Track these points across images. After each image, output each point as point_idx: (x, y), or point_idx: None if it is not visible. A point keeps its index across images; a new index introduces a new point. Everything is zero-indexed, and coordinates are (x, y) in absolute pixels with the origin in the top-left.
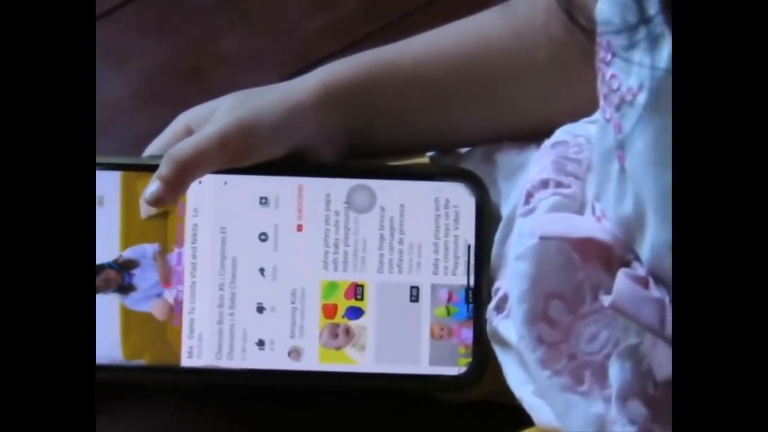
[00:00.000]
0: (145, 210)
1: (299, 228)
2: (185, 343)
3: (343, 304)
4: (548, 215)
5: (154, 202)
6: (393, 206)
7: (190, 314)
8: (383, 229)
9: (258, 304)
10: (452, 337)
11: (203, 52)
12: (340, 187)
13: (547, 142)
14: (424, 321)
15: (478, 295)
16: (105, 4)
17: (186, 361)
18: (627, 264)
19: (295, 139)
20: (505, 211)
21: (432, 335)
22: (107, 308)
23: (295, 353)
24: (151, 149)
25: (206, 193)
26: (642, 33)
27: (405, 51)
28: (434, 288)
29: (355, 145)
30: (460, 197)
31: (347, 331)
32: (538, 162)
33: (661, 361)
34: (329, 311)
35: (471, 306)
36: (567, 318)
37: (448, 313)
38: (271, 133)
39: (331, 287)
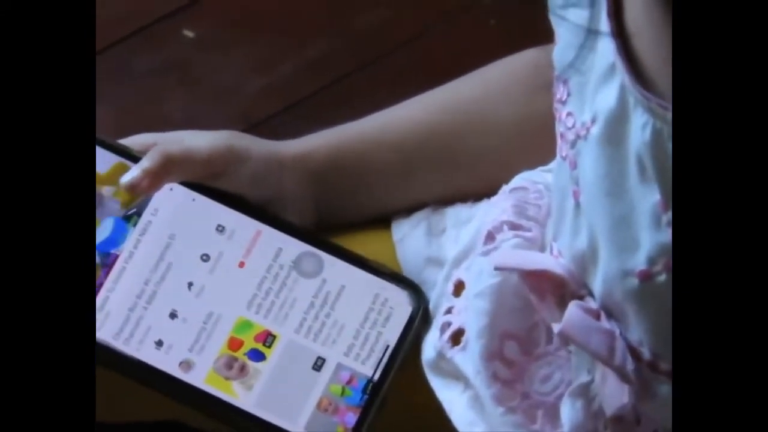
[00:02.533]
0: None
1: (241, 264)
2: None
3: (249, 344)
4: (505, 249)
5: (131, 188)
6: (335, 283)
7: (108, 291)
8: (316, 298)
9: (173, 310)
10: (336, 415)
11: (146, 114)
12: (294, 246)
13: (506, 187)
14: (317, 390)
15: (377, 390)
16: None
17: None
18: (581, 299)
19: (268, 189)
20: (450, 253)
21: (318, 405)
22: None
23: (186, 365)
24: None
25: (172, 200)
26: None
27: (372, 120)
28: (339, 366)
29: (322, 210)
30: (398, 302)
31: (242, 368)
32: (496, 205)
33: (612, 395)
34: (234, 344)
35: (365, 397)
36: (521, 358)
37: (342, 393)
38: (250, 173)
39: (245, 325)
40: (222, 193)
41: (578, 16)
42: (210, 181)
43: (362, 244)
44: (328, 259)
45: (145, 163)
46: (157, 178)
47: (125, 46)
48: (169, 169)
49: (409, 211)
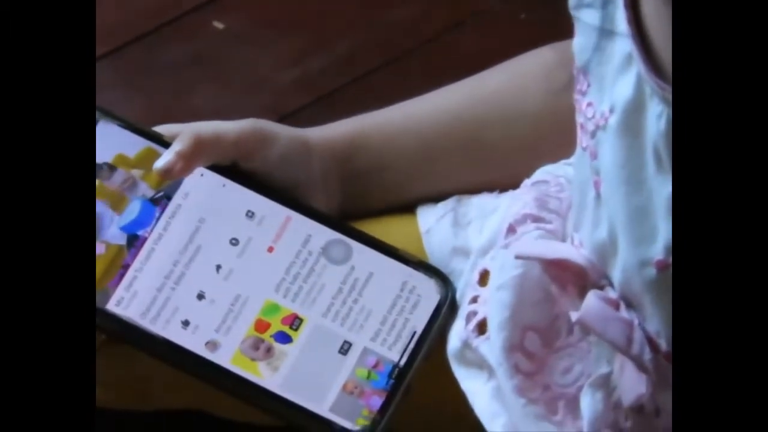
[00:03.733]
0: None
1: (270, 249)
2: (118, 293)
3: (277, 326)
4: (527, 239)
5: (165, 172)
6: (363, 270)
7: (136, 271)
8: (344, 284)
9: (201, 291)
10: (362, 398)
11: (176, 106)
12: (323, 233)
13: (528, 181)
14: (343, 373)
15: (403, 375)
16: None
17: (112, 307)
18: (601, 289)
19: (295, 172)
20: (476, 244)
21: (344, 388)
22: None
23: (212, 345)
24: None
25: (203, 186)
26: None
27: (396, 108)
28: (366, 350)
29: (347, 195)
30: (426, 290)
31: (269, 350)
32: (519, 198)
33: (630, 385)
34: (261, 326)
35: (391, 381)
36: (542, 351)
37: (368, 377)
38: (278, 154)
39: (272, 308)
40: (253, 179)
41: (591, 16)
42: (240, 163)
43: (388, 232)
44: (357, 246)
45: (177, 145)
46: (189, 160)
47: (156, 38)
48: (200, 151)
49: (434, 200)
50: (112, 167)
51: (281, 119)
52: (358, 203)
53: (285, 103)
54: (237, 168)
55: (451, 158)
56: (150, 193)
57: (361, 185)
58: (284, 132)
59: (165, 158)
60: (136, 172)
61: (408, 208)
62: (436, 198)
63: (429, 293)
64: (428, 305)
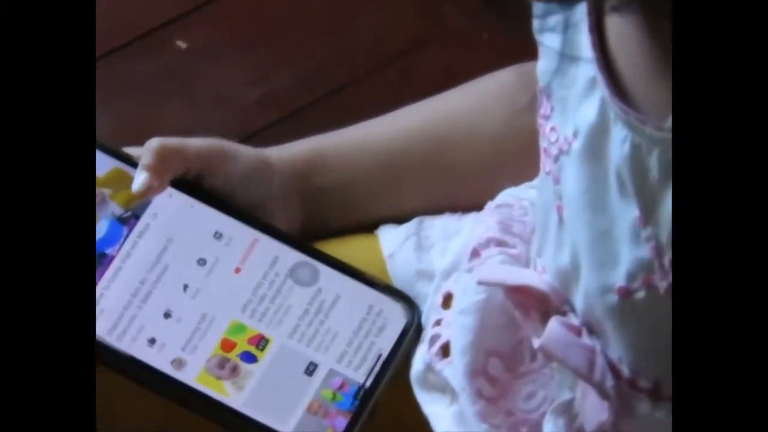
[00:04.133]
0: None
1: (237, 270)
2: None
3: (242, 346)
4: (490, 265)
5: (145, 191)
6: (330, 292)
7: (103, 288)
8: (311, 306)
9: (167, 310)
10: (326, 418)
11: (142, 122)
12: (290, 255)
13: (491, 204)
14: (308, 394)
15: (368, 397)
16: None
17: None
18: (563, 315)
19: (257, 189)
20: (440, 266)
21: (309, 408)
22: None
23: (177, 363)
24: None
25: (171, 206)
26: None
27: (358, 127)
28: (331, 372)
29: (308, 214)
30: (393, 314)
31: (234, 369)
32: (482, 221)
33: (592, 412)
34: (227, 345)
35: (356, 403)
36: (505, 376)
37: (333, 398)
38: (241, 171)
39: (238, 328)
40: (220, 201)
41: (553, 40)
42: (204, 180)
43: (351, 254)
44: (324, 269)
45: (145, 160)
46: (158, 172)
47: (121, 55)
48: (166, 161)
49: (396, 219)
50: None
51: (247, 137)
52: (319, 222)
53: (251, 120)
54: (203, 188)
55: (412, 177)
56: (118, 212)
57: (322, 204)
58: (245, 150)
59: (139, 179)
60: (105, 191)
61: (369, 227)
62: (398, 217)
63: (395, 317)
64: (394, 328)
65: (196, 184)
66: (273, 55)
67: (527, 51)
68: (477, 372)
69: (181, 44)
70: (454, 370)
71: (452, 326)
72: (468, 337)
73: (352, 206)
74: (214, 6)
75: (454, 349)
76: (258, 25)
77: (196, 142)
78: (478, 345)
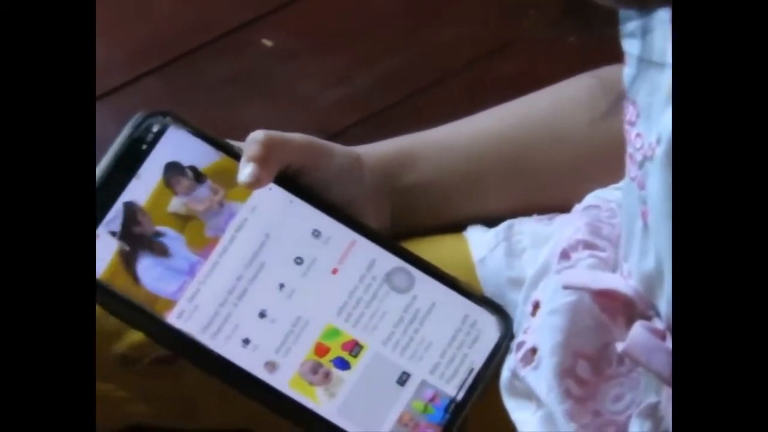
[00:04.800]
0: None
1: (334, 271)
2: (180, 304)
3: (336, 352)
4: (578, 269)
5: (253, 181)
6: (426, 300)
7: (199, 283)
8: (406, 313)
9: (262, 310)
10: (416, 431)
11: (224, 121)
12: (387, 260)
13: (578, 206)
14: (399, 405)
15: (459, 411)
16: (126, 74)
17: (173, 319)
18: (648, 319)
19: (350, 186)
20: (530, 272)
21: (400, 420)
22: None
23: (270, 366)
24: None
25: (270, 200)
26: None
27: (445, 128)
28: (423, 383)
29: (397, 212)
30: (487, 327)
31: (327, 375)
32: (570, 223)
33: None
34: (321, 350)
35: (447, 416)
36: (593, 378)
37: (425, 410)
38: (336, 167)
39: (333, 332)
40: (318, 199)
41: (632, 46)
42: (302, 174)
43: (439, 255)
44: (420, 276)
45: (250, 151)
46: (265, 163)
47: (203, 54)
48: (272, 152)
49: (482, 220)
50: (200, 175)
51: (327, 138)
52: (406, 221)
53: (330, 122)
54: (300, 184)
55: (497, 179)
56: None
57: (409, 202)
58: (338, 147)
59: (246, 170)
60: (211, 182)
61: (456, 227)
62: (485, 217)
63: (489, 329)
64: (488, 341)
65: (293, 180)
66: (353, 56)
67: (610, 56)
68: (566, 372)
69: (267, 42)
70: (540, 372)
71: (541, 328)
72: (558, 337)
73: (438, 206)
74: (294, 7)
75: (544, 350)
76: (339, 26)
77: (298, 137)
78: (568, 345)
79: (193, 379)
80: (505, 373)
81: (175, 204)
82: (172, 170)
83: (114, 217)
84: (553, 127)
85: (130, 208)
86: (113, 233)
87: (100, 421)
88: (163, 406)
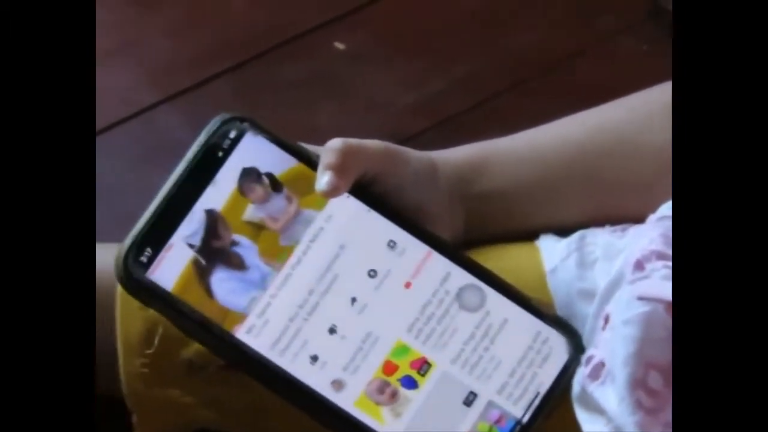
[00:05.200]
0: None
1: (407, 285)
2: (251, 319)
3: (405, 370)
4: (652, 280)
5: (332, 190)
6: (498, 317)
7: (271, 297)
8: (477, 329)
9: (333, 325)
10: None
11: (297, 124)
12: (460, 275)
13: (653, 216)
14: (464, 426)
15: None
16: (198, 75)
17: (242, 335)
18: None
19: (423, 193)
20: (602, 285)
21: None
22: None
23: (337, 384)
24: None
25: (347, 209)
26: None
27: (519, 135)
28: (490, 404)
29: (470, 218)
30: (557, 346)
31: (394, 394)
32: (644, 234)
33: None
34: (389, 368)
35: None
36: (664, 389)
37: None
38: (412, 172)
39: (402, 350)
40: (392, 209)
41: None
42: (376, 181)
43: (512, 264)
44: (492, 293)
45: (327, 159)
46: (343, 171)
47: (275, 56)
48: (350, 161)
49: (555, 229)
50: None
51: (399, 143)
52: (479, 229)
53: (404, 126)
54: (373, 194)
55: (572, 189)
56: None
57: (482, 210)
58: (414, 153)
59: (323, 178)
60: (287, 190)
61: (529, 235)
62: (558, 227)
63: (559, 348)
64: (558, 361)
65: (368, 189)
66: (428, 60)
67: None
68: (637, 383)
69: (339, 45)
70: (610, 384)
71: (612, 340)
72: (631, 348)
73: (511, 213)
74: (368, 10)
75: (616, 360)
76: (414, 30)
77: (374, 144)
78: (640, 356)
79: (260, 387)
80: (576, 387)
81: (250, 212)
82: (248, 177)
83: (195, 229)
84: (629, 137)
85: (212, 220)
86: (191, 245)
87: (167, 426)
88: (230, 413)
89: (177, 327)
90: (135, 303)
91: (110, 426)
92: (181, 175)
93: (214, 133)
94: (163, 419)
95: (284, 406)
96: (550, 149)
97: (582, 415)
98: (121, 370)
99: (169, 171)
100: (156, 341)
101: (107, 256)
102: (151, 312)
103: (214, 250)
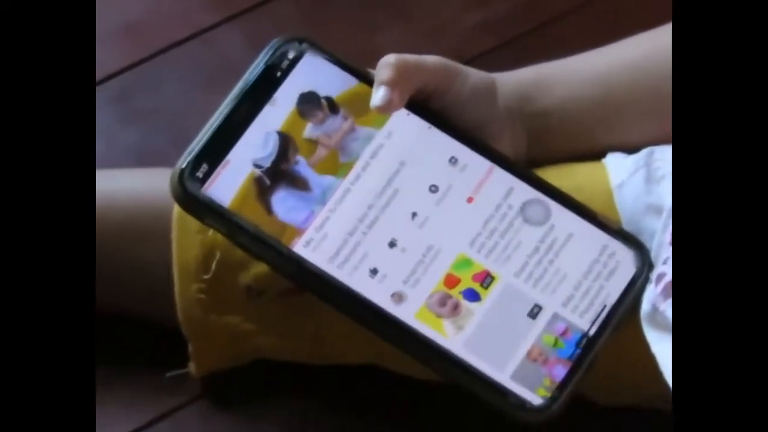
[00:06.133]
0: None
1: (469, 200)
2: (309, 233)
3: (467, 283)
4: None
5: (386, 105)
6: (563, 231)
7: (330, 211)
8: (542, 243)
9: (393, 239)
10: (545, 366)
11: (358, 44)
12: (524, 190)
13: None
14: (529, 338)
15: (591, 346)
16: None
17: (299, 248)
18: None
19: (481, 110)
20: (669, 200)
21: (528, 354)
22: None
23: (398, 297)
24: None
25: (407, 126)
26: None
27: (578, 57)
28: (555, 316)
29: (531, 137)
30: (624, 260)
31: (455, 307)
32: None
33: None
34: (451, 281)
35: (578, 351)
36: None
37: (555, 344)
38: (470, 89)
39: (464, 263)
40: (454, 126)
41: None
42: (434, 97)
43: (578, 182)
44: (557, 207)
45: (383, 75)
46: (398, 86)
47: None
48: (405, 74)
49: (622, 149)
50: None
51: (465, 63)
52: (543, 148)
53: (467, 46)
54: (434, 111)
55: (635, 110)
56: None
57: (545, 128)
58: (472, 70)
59: (378, 94)
60: (344, 109)
61: (595, 156)
62: (622, 148)
63: (626, 262)
64: (624, 275)
65: (428, 106)
66: None
67: None
68: None
69: None
70: None
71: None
72: None
73: (575, 132)
74: None
75: None
76: None
77: (431, 59)
78: None
79: (320, 313)
80: (645, 306)
81: (310, 130)
82: (307, 100)
83: (267, 151)
84: None
85: (284, 144)
86: (258, 166)
87: (224, 354)
88: (290, 339)
89: (233, 242)
90: (192, 227)
91: (166, 358)
92: (239, 94)
93: (273, 53)
94: (220, 347)
95: (345, 332)
96: (612, 69)
97: (651, 334)
98: (177, 297)
99: (229, 91)
100: (213, 266)
101: (165, 181)
102: (209, 237)
103: (279, 171)
